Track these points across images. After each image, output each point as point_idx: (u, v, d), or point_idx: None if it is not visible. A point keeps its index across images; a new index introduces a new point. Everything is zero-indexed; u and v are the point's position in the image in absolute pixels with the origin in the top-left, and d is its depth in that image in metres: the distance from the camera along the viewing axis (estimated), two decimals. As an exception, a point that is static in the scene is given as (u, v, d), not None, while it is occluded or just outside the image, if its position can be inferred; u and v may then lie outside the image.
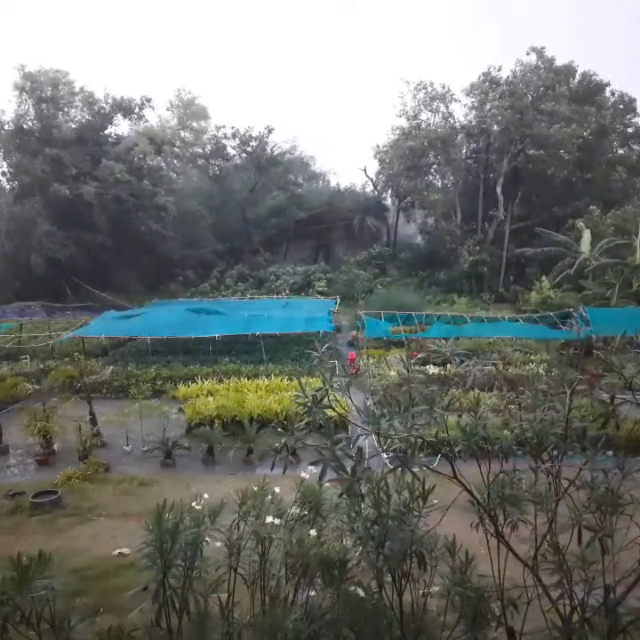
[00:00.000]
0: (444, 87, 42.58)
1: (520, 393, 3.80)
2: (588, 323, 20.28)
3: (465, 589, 3.33)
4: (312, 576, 3.81)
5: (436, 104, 43.04)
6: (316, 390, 3.28)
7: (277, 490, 4.52)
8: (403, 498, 3.52)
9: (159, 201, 39.36)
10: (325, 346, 3.66)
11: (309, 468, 4.70)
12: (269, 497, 4.35)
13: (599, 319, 20.47)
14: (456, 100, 42.91)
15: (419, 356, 3.54)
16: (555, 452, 3.47)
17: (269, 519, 4.01)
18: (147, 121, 45.41)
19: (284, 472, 3.30)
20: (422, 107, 43.30)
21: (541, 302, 28.07)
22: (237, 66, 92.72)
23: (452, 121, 43.17)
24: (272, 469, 3.63)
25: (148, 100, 44.72)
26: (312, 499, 4.15)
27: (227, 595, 4.03)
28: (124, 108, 44.04)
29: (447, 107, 43.16)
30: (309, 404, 3.20)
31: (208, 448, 12.61)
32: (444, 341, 3.77)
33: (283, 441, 3.29)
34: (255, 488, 4.45)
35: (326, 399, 3.24)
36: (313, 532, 3.91)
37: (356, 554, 3.60)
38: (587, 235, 29.85)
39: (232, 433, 13.09)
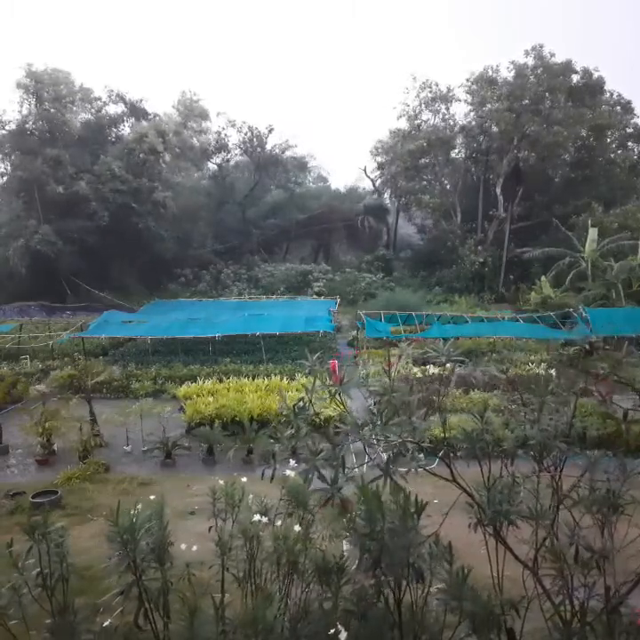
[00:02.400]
0: (448, 89, 42.66)
1: (520, 393, 3.79)
2: (588, 323, 20.30)
3: (464, 599, 3.29)
4: (304, 576, 3.80)
5: (437, 105, 43.05)
6: (298, 400, 3.38)
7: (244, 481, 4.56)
8: (398, 510, 3.49)
9: (157, 197, 39.25)
10: (317, 354, 3.70)
11: (291, 462, 4.76)
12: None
13: (599, 319, 20.48)
14: (457, 100, 42.99)
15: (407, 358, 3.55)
16: (556, 455, 3.45)
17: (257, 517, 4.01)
18: (154, 117, 45.40)
19: (271, 480, 3.37)
20: (424, 106, 43.28)
21: (541, 302, 28.05)
22: (239, 66, 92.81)
23: (451, 122, 43.26)
24: (271, 479, 3.67)
25: (143, 100, 44.94)
26: (298, 497, 4.15)
27: (221, 595, 4.02)
28: (130, 107, 44.03)
29: (448, 108, 43.23)
30: (291, 415, 3.29)
31: (208, 448, 12.61)
32: (441, 342, 3.78)
33: (273, 449, 3.35)
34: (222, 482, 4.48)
35: (310, 407, 3.31)
36: (297, 528, 3.92)
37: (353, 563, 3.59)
38: (592, 233, 29.63)
39: (232, 433, 13.08)
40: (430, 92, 42.73)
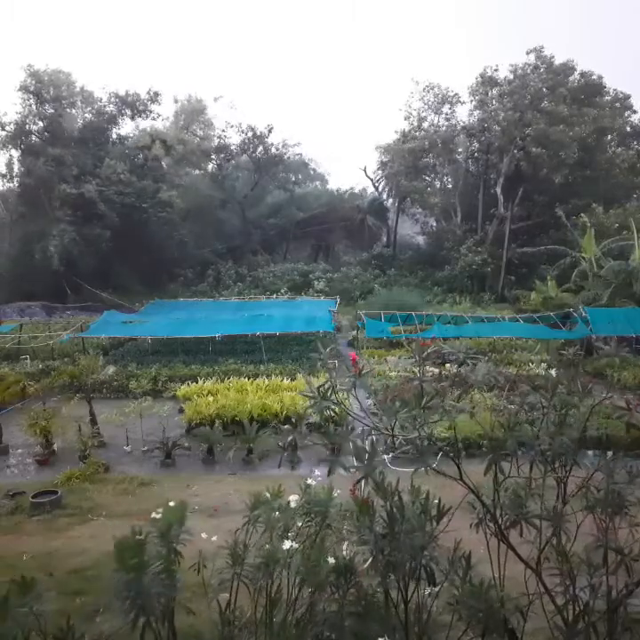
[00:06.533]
0: (447, 90, 43.10)
1: (522, 392, 3.77)
2: (588, 323, 20.30)
3: (475, 602, 3.28)
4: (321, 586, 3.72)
5: (442, 107, 43.51)
6: (322, 384, 3.29)
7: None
8: (415, 511, 3.44)
9: (163, 197, 39.35)
10: (329, 348, 3.65)
11: (315, 472, 4.44)
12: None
13: (599, 319, 20.49)
14: (462, 103, 43.44)
15: (429, 350, 3.47)
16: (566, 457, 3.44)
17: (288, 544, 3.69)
18: (157, 117, 45.42)
19: (292, 468, 3.26)
20: (428, 107, 43.71)
21: (542, 302, 28.05)
22: (241, 66, 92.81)
23: (454, 122, 43.46)
24: (280, 467, 3.53)
25: (157, 95, 44.27)
26: (319, 509, 3.87)
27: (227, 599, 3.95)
28: (130, 105, 43.98)
29: (452, 109, 43.67)
30: (316, 397, 3.20)
31: (208, 448, 12.61)
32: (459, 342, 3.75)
33: (289, 438, 3.26)
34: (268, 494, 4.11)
35: (333, 394, 3.24)
36: (331, 560, 3.71)
37: (364, 561, 3.55)
38: (591, 233, 29.62)
39: (232, 433, 13.08)
40: (434, 95, 43.17)
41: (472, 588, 3.34)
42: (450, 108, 43.38)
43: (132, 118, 44.78)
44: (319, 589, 3.62)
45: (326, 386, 3.25)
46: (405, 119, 44.50)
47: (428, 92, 43.14)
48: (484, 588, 3.33)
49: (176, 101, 46.01)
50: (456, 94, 42.97)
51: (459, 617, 3.42)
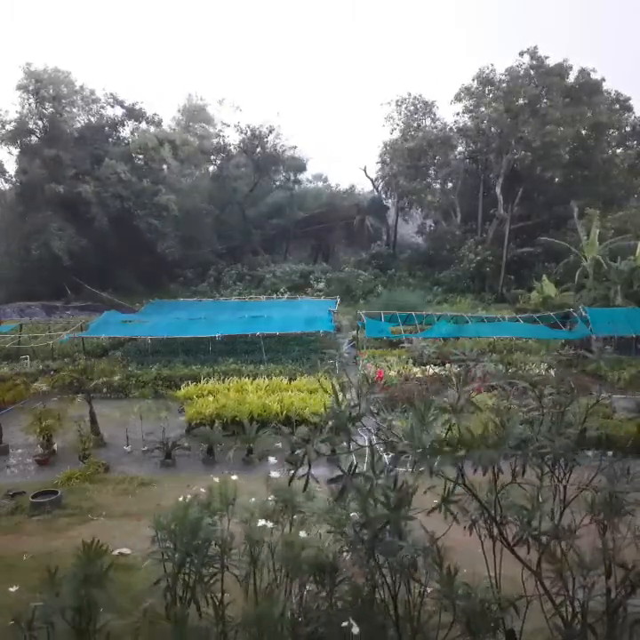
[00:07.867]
0: (420, 97, 43.84)
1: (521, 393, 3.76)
2: (588, 323, 20.29)
3: (457, 598, 3.28)
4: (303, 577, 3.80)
5: (420, 115, 44.30)
6: (353, 406, 3.11)
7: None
8: (390, 500, 3.45)
9: (160, 200, 39.33)
10: (344, 349, 3.55)
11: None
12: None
13: (599, 319, 20.48)
14: (437, 107, 44.18)
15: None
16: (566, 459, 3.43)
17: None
18: (159, 123, 45.92)
19: (289, 483, 3.26)
20: (411, 116, 44.38)
21: (542, 302, 28.03)
22: (241, 66, 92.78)
23: (447, 124, 43.81)
24: (290, 485, 3.46)
25: (161, 121, 45.75)
26: (285, 497, 4.22)
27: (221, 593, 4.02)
28: (135, 116, 44.53)
29: (434, 114, 44.15)
30: (343, 417, 3.04)
31: (208, 448, 12.62)
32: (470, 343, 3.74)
33: (302, 451, 3.11)
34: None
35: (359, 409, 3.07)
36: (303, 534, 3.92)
37: (347, 556, 3.58)
38: (593, 233, 29.64)
39: (232, 433, 13.09)
40: (408, 106, 44.04)
41: (450, 579, 3.35)
42: (431, 114, 44.09)
43: (128, 121, 45.06)
44: (295, 564, 3.75)
45: (355, 409, 3.07)
46: (390, 133, 45.39)
47: (401, 105, 44.11)
48: (466, 580, 3.34)
49: (178, 109, 46.53)
50: (429, 103, 43.77)
51: (454, 617, 3.43)
